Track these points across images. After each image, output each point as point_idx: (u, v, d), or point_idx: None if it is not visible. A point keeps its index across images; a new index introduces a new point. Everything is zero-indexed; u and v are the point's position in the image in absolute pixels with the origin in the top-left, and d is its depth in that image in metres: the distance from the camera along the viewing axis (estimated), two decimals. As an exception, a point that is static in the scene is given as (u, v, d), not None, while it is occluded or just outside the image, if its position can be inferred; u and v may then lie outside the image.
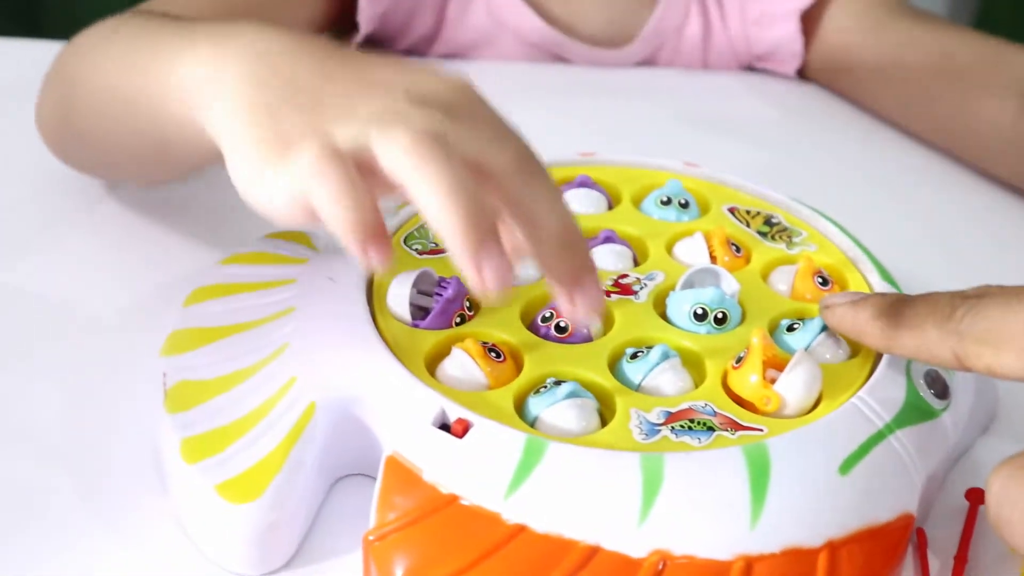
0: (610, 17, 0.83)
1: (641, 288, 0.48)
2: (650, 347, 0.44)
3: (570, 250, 0.39)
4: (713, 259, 0.50)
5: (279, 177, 0.37)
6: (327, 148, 0.37)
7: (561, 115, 0.73)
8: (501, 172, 0.38)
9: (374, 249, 0.36)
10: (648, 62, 0.84)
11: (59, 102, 0.57)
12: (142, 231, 0.59)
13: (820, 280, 0.49)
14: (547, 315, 0.45)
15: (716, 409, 0.42)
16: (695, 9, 0.82)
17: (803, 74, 0.84)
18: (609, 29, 0.83)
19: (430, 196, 0.35)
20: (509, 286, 0.36)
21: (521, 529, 0.38)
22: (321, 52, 0.42)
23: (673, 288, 0.48)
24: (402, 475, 0.39)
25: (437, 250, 0.49)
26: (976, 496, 0.44)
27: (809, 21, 0.81)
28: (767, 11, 0.82)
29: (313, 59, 0.41)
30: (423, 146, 0.36)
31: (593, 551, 0.37)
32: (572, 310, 0.40)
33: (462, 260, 0.36)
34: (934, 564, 0.42)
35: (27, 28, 1.49)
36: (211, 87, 0.41)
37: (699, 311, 0.46)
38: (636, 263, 0.51)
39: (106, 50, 0.53)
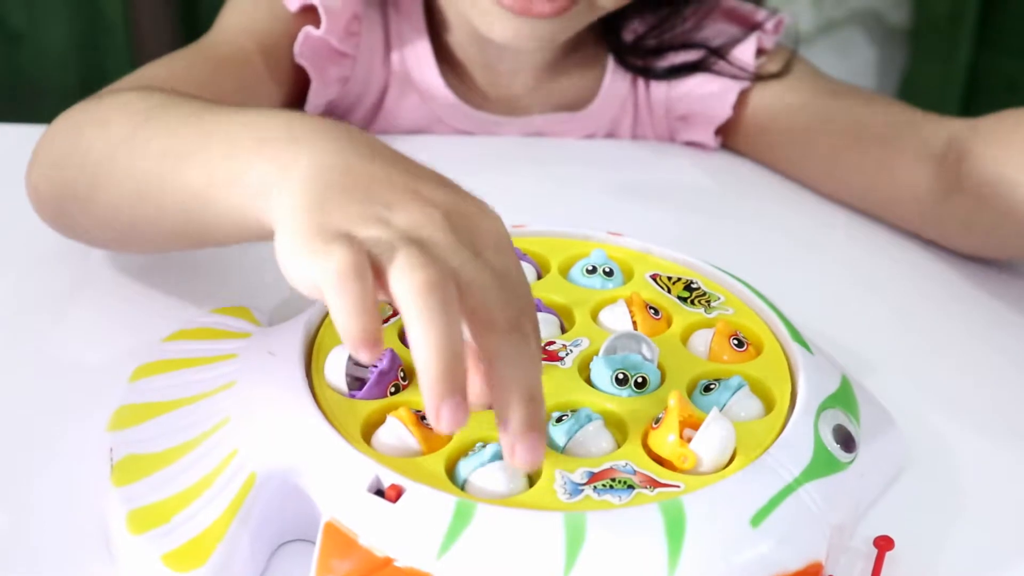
0: (553, 109, 0.86)
1: (567, 354, 0.51)
2: (574, 411, 0.47)
3: (528, 418, 0.41)
4: (635, 324, 0.53)
5: (310, 267, 0.41)
6: (353, 261, 0.40)
7: (494, 187, 0.76)
8: (497, 328, 0.41)
9: (364, 352, 0.39)
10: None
11: (67, 183, 0.58)
12: (88, 309, 0.61)
13: (736, 342, 0.52)
14: (477, 382, 0.48)
15: (636, 468, 0.44)
16: (629, 101, 0.86)
17: (727, 145, 0.88)
18: (549, 118, 0.87)
19: (420, 340, 0.39)
20: (459, 428, 0.39)
21: (452, 588, 0.40)
22: (379, 153, 0.46)
23: (597, 354, 0.50)
24: (339, 540, 0.41)
25: (373, 323, 0.52)
26: (884, 543, 0.47)
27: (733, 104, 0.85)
28: (688, 116, 0.86)
29: (372, 159, 0.45)
30: (432, 297, 0.39)
31: (520, 607, 0.39)
32: (511, 458, 0.41)
33: (426, 400, 0.39)
34: (845, 609, 0.45)
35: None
36: (281, 187, 0.45)
37: (620, 376, 0.48)
38: (563, 330, 0.53)
39: (136, 138, 0.54)
